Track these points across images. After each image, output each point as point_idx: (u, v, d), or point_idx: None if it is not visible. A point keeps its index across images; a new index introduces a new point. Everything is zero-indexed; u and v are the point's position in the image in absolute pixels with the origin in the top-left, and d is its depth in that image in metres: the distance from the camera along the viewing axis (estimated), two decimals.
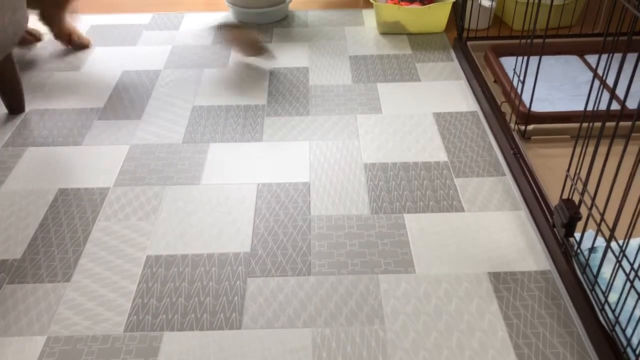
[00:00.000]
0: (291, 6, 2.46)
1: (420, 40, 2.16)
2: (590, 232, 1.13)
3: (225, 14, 2.40)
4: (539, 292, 1.16)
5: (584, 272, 1.12)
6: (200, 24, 2.33)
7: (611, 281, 1.01)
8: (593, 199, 1.06)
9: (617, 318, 1.00)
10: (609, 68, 1.00)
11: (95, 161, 1.55)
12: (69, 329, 1.10)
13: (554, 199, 1.32)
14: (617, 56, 1.80)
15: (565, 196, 1.19)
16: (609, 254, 1.06)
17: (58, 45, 2.15)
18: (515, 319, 1.11)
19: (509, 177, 1.46)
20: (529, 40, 1.39)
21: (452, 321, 1.11)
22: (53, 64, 2.03)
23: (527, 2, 1.57)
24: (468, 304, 1.14)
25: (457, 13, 2.04)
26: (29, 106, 1.79)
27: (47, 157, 1.57)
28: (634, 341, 0.97)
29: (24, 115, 1.75)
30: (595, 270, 1.08)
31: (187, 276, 1.21)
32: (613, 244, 1.03)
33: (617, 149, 0.97)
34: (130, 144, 1.61)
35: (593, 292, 1.08)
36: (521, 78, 1.48)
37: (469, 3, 2.00)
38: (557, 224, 1.20)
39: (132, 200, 1.41)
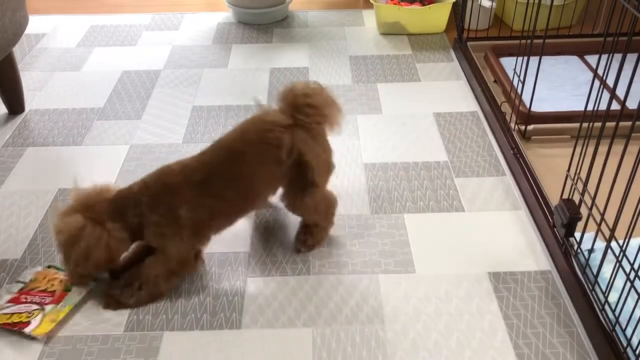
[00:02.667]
0: (291, 6, 2.46)
1: (420, 41, 2.16)
2: (590, 233, 1.13)
3: (226, 15, 2.40)
4: (539, 292, 1.16)
5: (584, 272, 1.12)
6: (201, 24, 2.33)
7: (611, 281, 1.01)
8: (593, 199, 1.06)
9: (617, 318, 1.00)
10: (609, 68, 1.00)
11: (95, 161, 1.55)
12: (69, 329, 1.10)
13: (554, 199, 1.32)
14: (617, 56, 1.80)
15: (565, 196, 1.19)
16: (609, 254, 1.06)
17: (58, 45, 2.15)
18: (515, 319, 1.11)
19: (509, 177, 1.46)
20: (529, 41, 1.38)
21: (452, 321, 1.11)
22: (53, 64, 2.03)
23: (527, 2, 1.57)
24: (468, 304, 1.14)
25: (457, 13, 2.04)
26: (29, 106, 1.79)
27: (47, 157, 1.57)
28: (634, 341, 0.97)
29: (24, 115, 1.75)
30: (595, 270, 1.08)
31: (187, 276, 1.21)
32: (613, 244, 1.03)
33: (617, 148, 0.96)
34: (130, 144, 1.61)
35: (593, 292, 1.08)
36: (521, 78, 1.48)
37: (469, 3, 2.00)
38: (557, 224, 1.20)
39: None
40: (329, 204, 1.26)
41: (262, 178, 1.15)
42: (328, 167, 1.22)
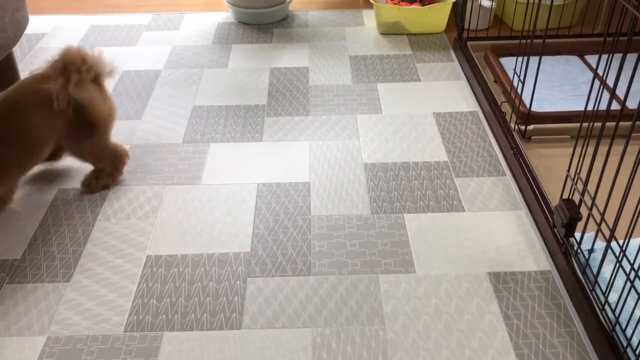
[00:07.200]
0: (291, 6, 2.46)
1: (420, 41, 2.16)
2: (590, 234, 1.13)
3: (226, 15, 2.40)
4: (539, 292, 1.16)
5: (584, 272, 1.12)
6: (201, 24, 2.33)
7: (611, 281, 1.01)
8: (593, 199, 1.06)
9: (617, 318, 1.00)
10: (609, 68, 1.00)
11: None
12: (69, 329, 1.10)
13: (554, 199, 1.32)
14: (617, 56, 1.80)
15: (565, 196, 1.19)
16: (609, 254, 1.06)
17: (58, 45, 2.15)
18: (515, 319, 1.11)
19: (509, 177, 1.46)
20: (529, 41, 1.38)
21: (452, 321, 1.11)
22: None
23: (527, 2, 1.57)
24: (468, 304, 1.14)
25: (457, 13, 2.04)
26: None
27: None
28: (634, 341, 0.97)
29: None
30: (595, 270, 1.08)
31: (187, 276, 1.21)
32: (613, 244, 1.03)
33: (617, 149, 0.97)
34: (130, 144, 1.61)
35: (593, 292, 1.08)
36: (521, 78, 1.48)
37: (469, 3, 2.00)
38: (557, 224, 1.20)
39: (132, 200, 1.41)
40: (115, 154, 1.40)
41: (39, 130, 1.24)
42: (109, 113, 1.35)
